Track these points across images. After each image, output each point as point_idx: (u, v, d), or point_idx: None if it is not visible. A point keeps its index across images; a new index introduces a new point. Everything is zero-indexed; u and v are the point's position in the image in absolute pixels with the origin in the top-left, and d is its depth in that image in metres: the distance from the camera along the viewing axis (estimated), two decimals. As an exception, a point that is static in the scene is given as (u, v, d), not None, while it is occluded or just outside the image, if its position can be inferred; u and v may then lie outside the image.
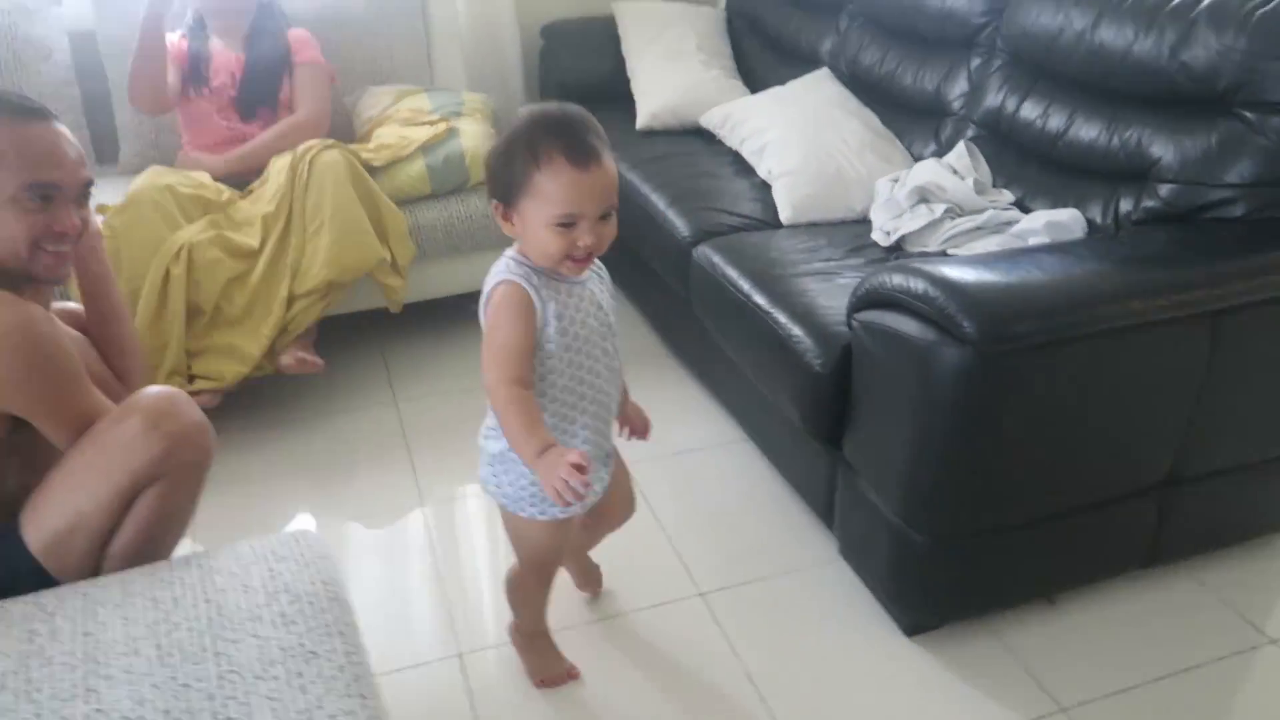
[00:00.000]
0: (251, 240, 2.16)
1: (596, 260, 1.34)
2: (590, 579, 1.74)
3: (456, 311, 2.66)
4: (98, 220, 1.54)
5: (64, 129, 1.34)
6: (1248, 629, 1.65)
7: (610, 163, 1.24)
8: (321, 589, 1.17)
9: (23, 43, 2.53)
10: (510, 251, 1.32)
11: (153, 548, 1.33)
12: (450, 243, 2.40)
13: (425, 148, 2.41)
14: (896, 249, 1.99)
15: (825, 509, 1.79)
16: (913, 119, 2.34)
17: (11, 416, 1.29)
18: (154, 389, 1.35)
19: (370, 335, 2.58)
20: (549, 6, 3.23)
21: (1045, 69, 1.98)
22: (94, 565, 1.31)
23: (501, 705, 1.54)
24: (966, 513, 1.50)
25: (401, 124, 2.51)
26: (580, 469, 1.17)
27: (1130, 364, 1.44)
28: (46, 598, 1.16)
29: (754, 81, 2.87)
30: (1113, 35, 1.79)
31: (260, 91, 2.43)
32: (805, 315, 1.72)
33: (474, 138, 2.45)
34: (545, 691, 1.55)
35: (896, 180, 2.11)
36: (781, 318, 1.75)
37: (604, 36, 3.06)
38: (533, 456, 1.22)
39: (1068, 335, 1.38)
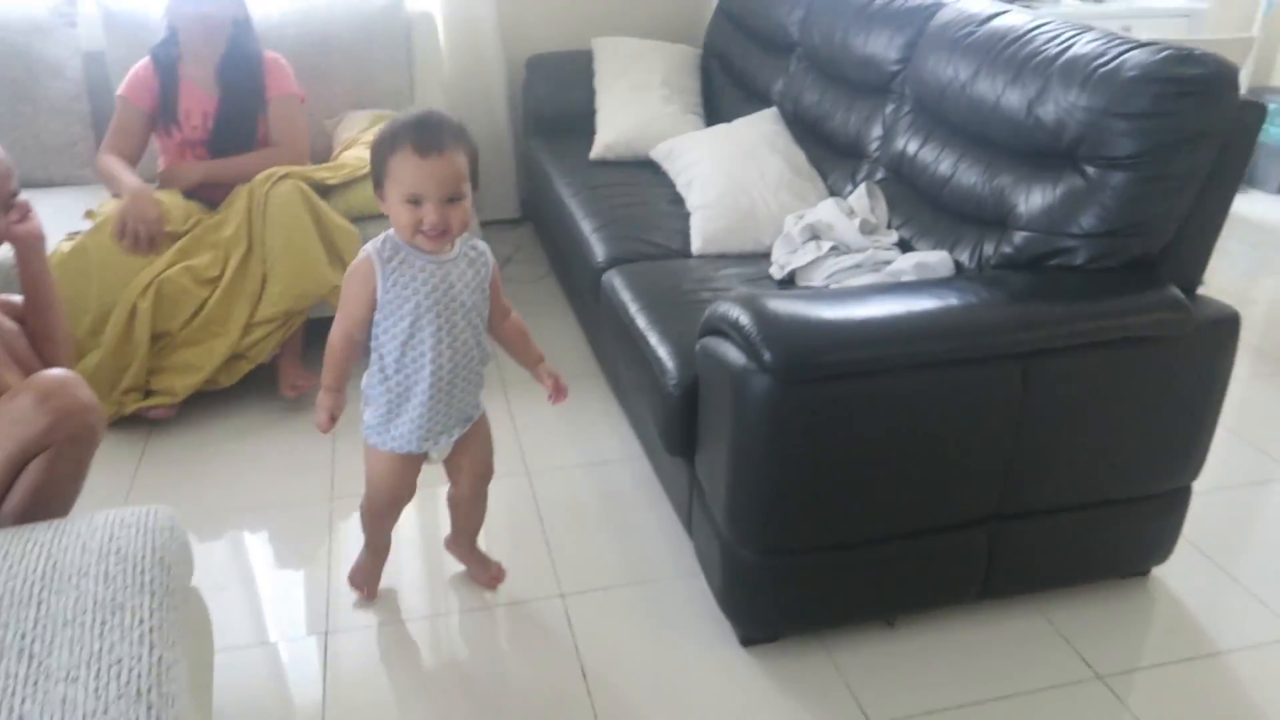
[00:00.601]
0: (214, 269, 2.36)
1: (479, 247, 1.65)
2: (489, 573, 1.90)
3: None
4: (38, 223, 1.73)
5: None
6: (1077, 663, 1.71)
7: (457, 156, 1.48)
8: (149, 554, 1.33)
9: (37, 60, 2.80)
10: (388, 231, 1.57)
11: (41, 511, 1.50)
12: (398, 258, 2.57)
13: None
14: (788, 282, 2.09)
15: (686, 519, 1.89)
16: (837, 159, 2.44)
17: None
18: (50, 371, 1.53)
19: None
20: (538, 39, 3.42)
21: (940, 117, 2.07)
22: None
23: (353, 685, 1.67)
24: (786, 531, 1.59)
25: (365, 146, 2.69)
26: (325, 421, 1.64)
27: (941, 399, 1.52)
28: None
29: (719, 118, 2.98)
30: (986, 87, 1.88)
31: (235, 136, 2.50)
32: (673, 339, 1.84)
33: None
34: (391, 668, 1.69)
35: (801, 217, 2.21)
36: (652, 340, 1.87)
37: (583, 70, 3.23)
38: (320, 392, 1.64)
39: (868, 369, 1.47)
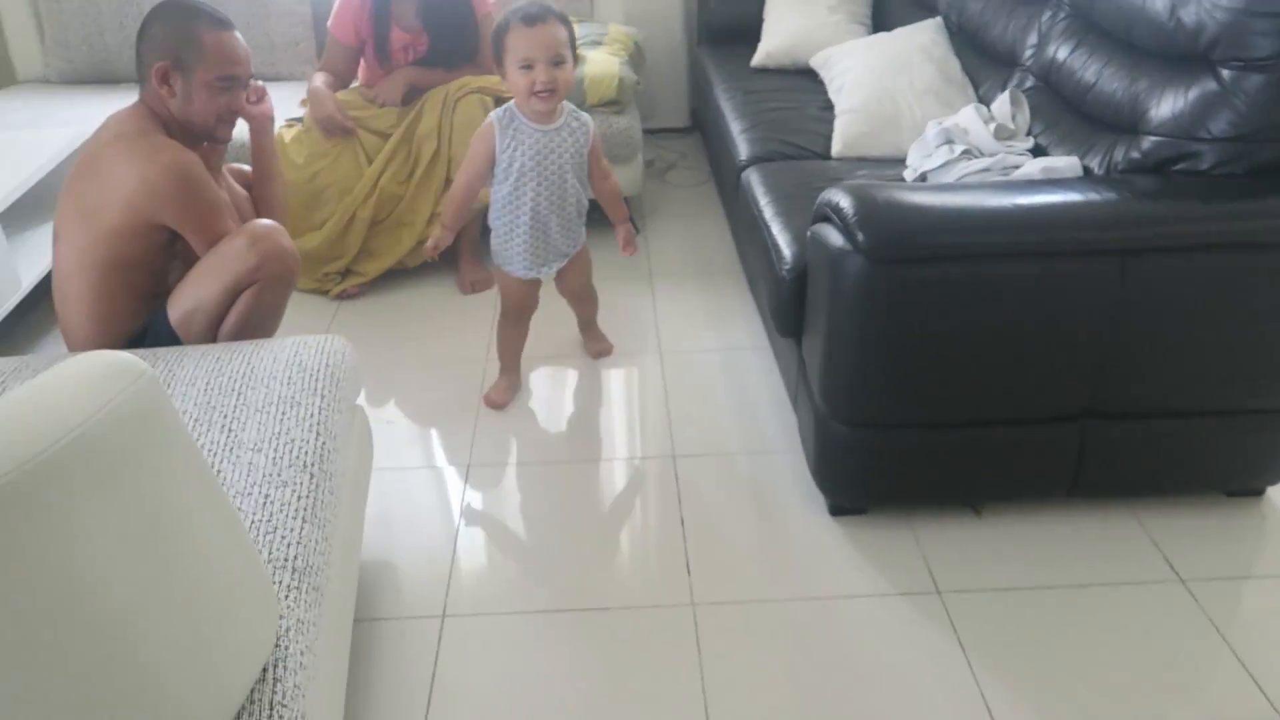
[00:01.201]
0: (408, 167, 2.66)
1: (582, 118, 2.03)
2: (598, 346, 2.40)
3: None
4: (270, 106, 2.06)
5: (240, 36, 1.87)
6: (1161, 564, 1.74)
7: (557, 27, 1.88)
8: (324, 369, 1.62)
9: (271, -30, 3.18)
10: (510, 103, 1.99)
11: (248, 335, 1.87)
12: (563, 153, 2.80)
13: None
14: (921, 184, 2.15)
15: (794, 400, 2.04)
16: (993, 68, 2.43)
17: (172, 230, 1.84)
18: (261, 220, 1.89)
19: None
20: (716, -49, 3.50)
21: (1091, 23, 2.05)
22: (210, 340, 1.86)
23: (484, 514, 1.95)
24: (874, 406, 1.71)
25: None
26: (432, 250, 2.13)
27: (1032, 290, 1.58)
28: (161, 349, 1.69)
29: (886, 29, 3.01)
30: (1135, -10, 1.85)
31: (450, 59, 2.70)
32: (792, 230, 1.96)
33: (597, 64, 2.81)
34: (514, 503, 1.95)
35: (940, 123, 2.24)
36: (775, 230, 2.00)
37: (757, -17, 3.29)
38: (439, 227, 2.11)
39: (958, 254, 1.55)
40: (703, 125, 3.50)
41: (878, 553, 1.79)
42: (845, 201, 1.61)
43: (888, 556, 1.78)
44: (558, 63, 1.88)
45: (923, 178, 2.15)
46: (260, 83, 2.02)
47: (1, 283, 2.19)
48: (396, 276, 2.80)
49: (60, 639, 0.81)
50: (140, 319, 1.87)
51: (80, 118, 2.81)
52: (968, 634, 1.62)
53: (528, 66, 1.87)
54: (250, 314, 1.85)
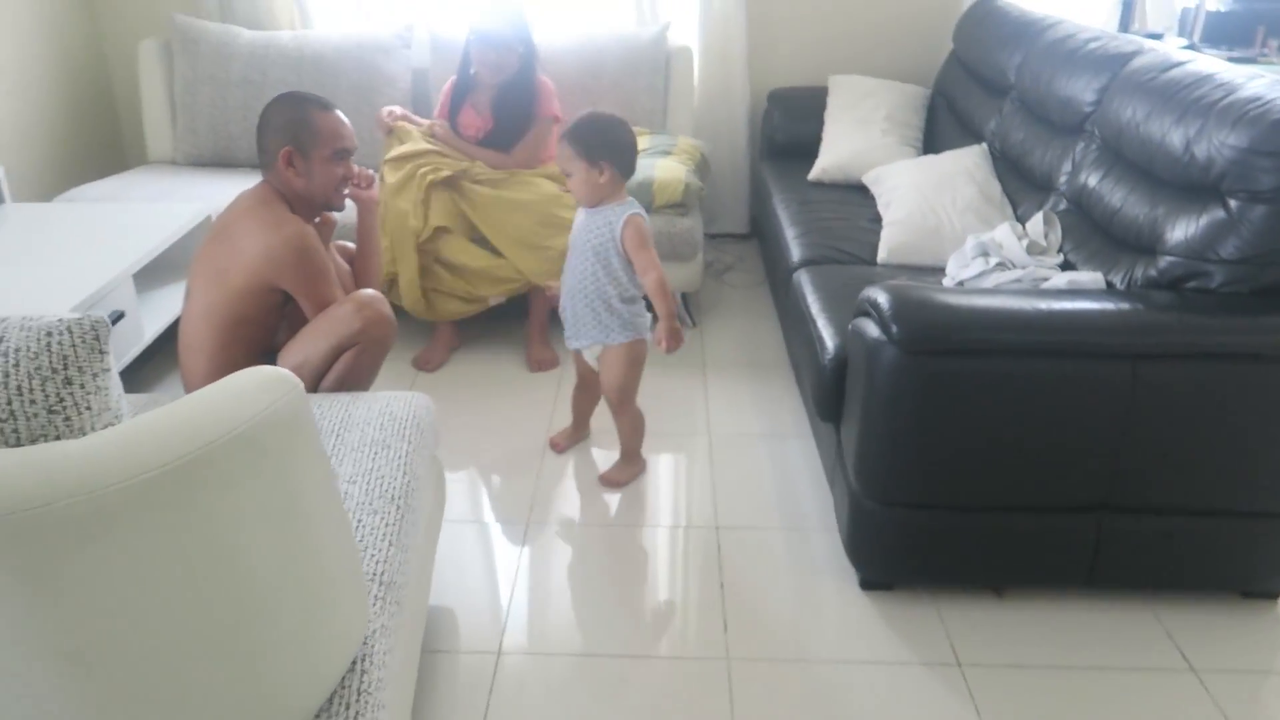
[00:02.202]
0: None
1: (620, 212, 2.23)
2: (612, 476, 2.42)
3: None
4: (376, 192, 2.35)
5: (342, 114, 2.16)
6: (1175, 655, 1.84)
7: (562, 145, 2.21)
8: (410, 418, 1.84)
9: (379, 73, 3.55)
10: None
11: (347, 388, 2.11)
12: (631, 249, 3.05)
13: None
14: (956, 291, 2.34)
15: (832, 481, 2.19)
16: (1031, 191, 2.64)
17: (285, 293, 2.10)
18: (366, 289, 2.15)
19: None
20: (782, 74, 3.83)
21: (1119, 154, 2.25)
22: (312, 391, 2.09)
23: (537, 568, 2.12)
24: (903, 486, 1.86)
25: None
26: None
27: (1051, 386, 1.75)
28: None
29: (937, 151, 3.25)
30: (1156, 126, 2.06)
31: (500, 145, 3.04)
32: (835, 325, 2.16)
33: (666, 170, 3.09)
34: (564, 560, 2.12)
35: (979, 238, 2.44)
36: (819, 323, 2.20)
37: (818, 103, 3.58)
38: None
39: (984, 349, 1.73)
40: (761, 232, 3.75)
41: (903, 625, 1.92)
42: (883, 298, 1.81)
43: (912, 629, 1.91)
44: (568, 174, 2.22)
45: (960, 285, 2.34)
46: (371, 172, 2.31)
47: (129, 332, 2.47)
48: (470, 351, 3.04)
49: (211, 595, 1.00)
50: (252, 365, 2.11)
51: (201, 195, 3.14)
52: (985, 706, 1.73)
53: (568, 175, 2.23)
54: (350, 371, 2.09)
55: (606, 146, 2.19)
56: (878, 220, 2.83)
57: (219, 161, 3.58)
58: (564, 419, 2.66)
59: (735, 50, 3.71)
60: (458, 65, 3.05)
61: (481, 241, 2.99)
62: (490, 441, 2.58)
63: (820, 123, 3.51)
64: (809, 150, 3.47)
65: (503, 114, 3.00)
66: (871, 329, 1.84)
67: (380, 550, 1.49)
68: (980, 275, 2.28)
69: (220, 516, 1.01)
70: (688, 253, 3.08)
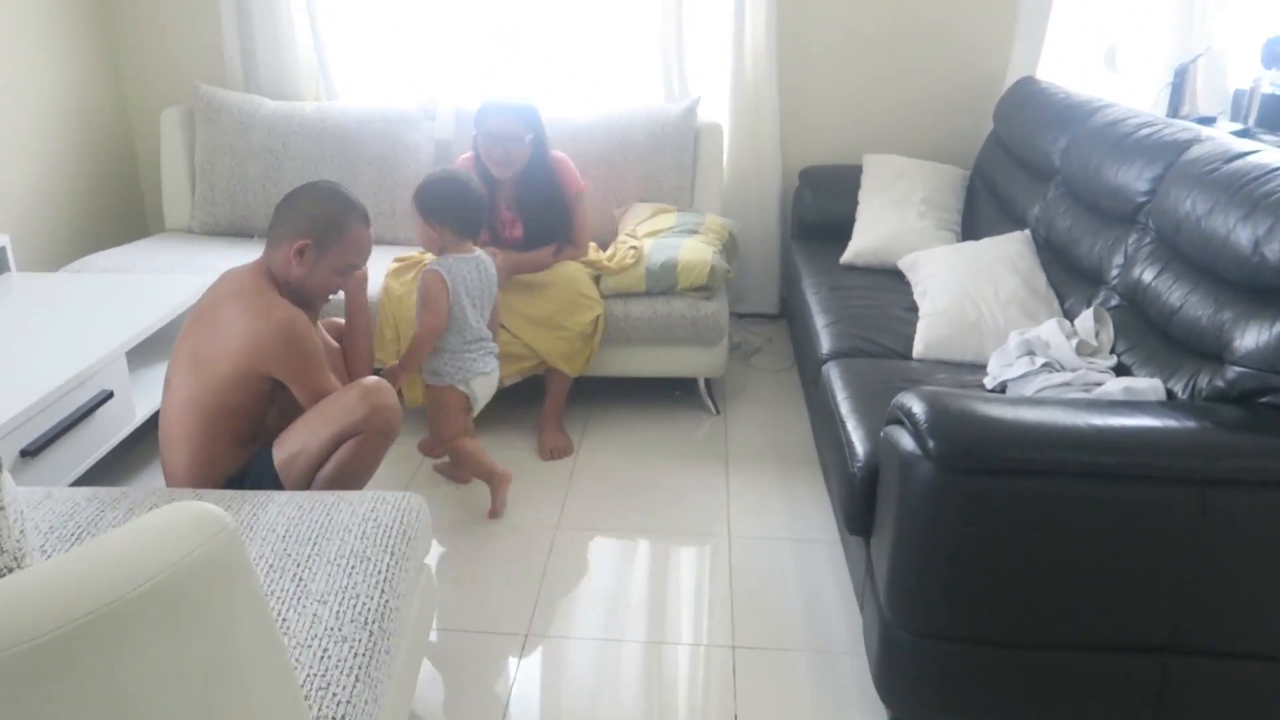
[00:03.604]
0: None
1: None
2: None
3: (656, 393, 3.16)
4: (365, 270, 2.23)
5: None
6: (1252, 826, 1.61)
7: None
8: (397, 526, 1.68)
9: (402, 145, 3.48)
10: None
11: (343, 483, 1.98)
12: (652, 334, 2.90)
13: (648, 254, 2.95)
14: (999, 393, 2.16)
15: (861, 600, 1.99)
16: (1078, 283, 2.47)
17: (275, 380, 1.97)
18: (372, 378, 2.03)
19: (582, 397, 3.12)
20: (814, 152, 3.71)
21: (1176, 249, 2.08)
22: (308, 483, 1.96)
23: (536, 687, 1.94)
24: (940, 617, 1.66)
25: (638, 238, 3.08)
26: None
27: (1107, 513, 1.55)
28: (250, 493, 1.78)
29: (974, 237, 3.10)
30: (1219, 222, 1.88)
31: (547, 238, 2.87)
32: (867, 428, 1.98)
33: (691, 251, 2.95)
34: (566, 680, 1.93)
35: (1024, 334, 2.27)
36: (849, 425, 2.02)
37: (850, 181, 3.45)
38: None
39: (1031, 469, 1.55)
40: (790, 314, 3.59)
41: (938, 775, 1.70)
42: (918, 407, 1.63)
43: (949, 780, 1.69)
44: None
45: (1002, 387, 2.16)
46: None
47: (119, 412, 2.35)
48: (481, 437, 2.89)
49: (109, 780, 0.84)
50: (239, 461, 1.98)
51: (214, 266, 3.06)
52: None
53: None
54: (350, 462, 1.96)
55: (443, 208, 2.40)
56: (913, 309, 2.67)
57: (235, 231, 3.51)
58: (578, 511, 2.49)
59: (766, 127, 3.61)
60: (471, 143, 2.93)
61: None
62: (494, 541, 2.41)
63: (853, 202, 3.38)
64: (841, 231, 3.34)
65: (528, 211, 2.87)
66: (905, 440, 1.66)
67: (345, 688, 1.32)
68: (1025, 376, 2.10)
69: (129, 683, 0.85)
70: (712, 338, 2.92)
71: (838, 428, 2.07)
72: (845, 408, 2.11)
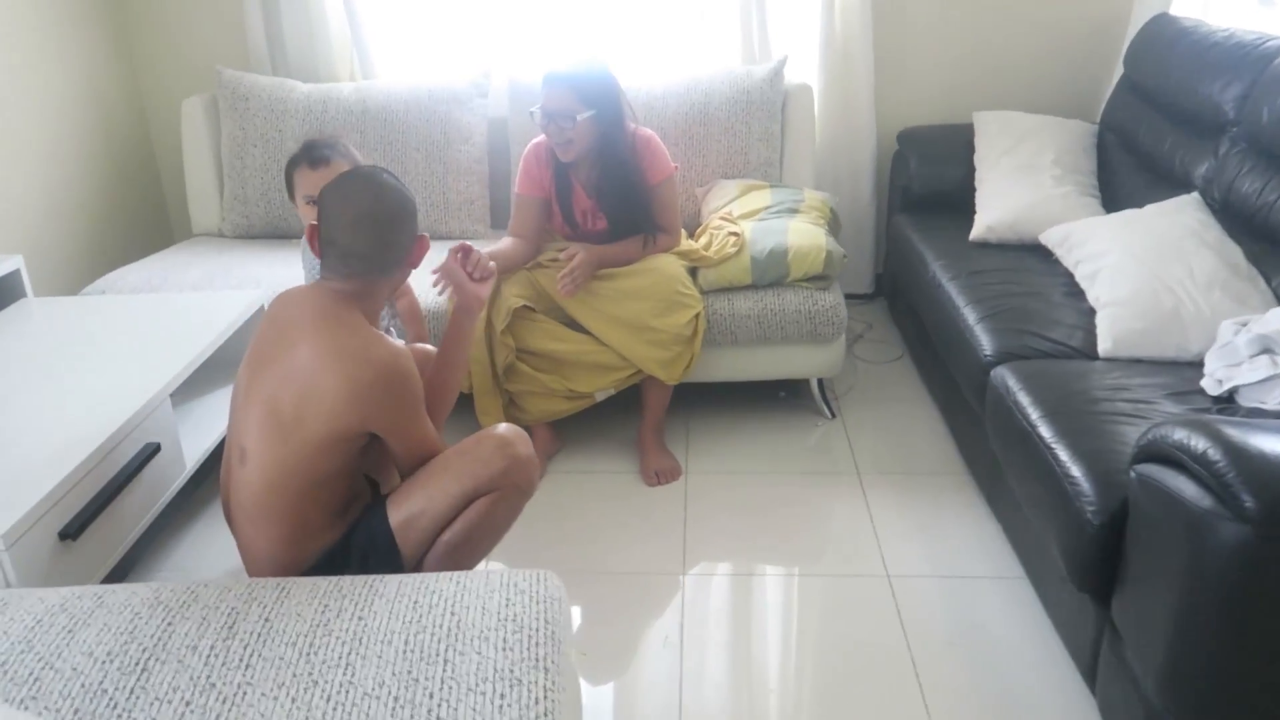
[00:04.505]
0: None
1: None
2: None
3: (759, 396, 2.79)
4: (486, 292, 1.86)
5: None
6: None
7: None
8: (542, 626, 1.33)
9: (452, 127, 3.09)
10: None
11: (470, 547, 1.65)
12: (761, 332, 2.53)
13: (752, 241, 2.56)
14: (1226, 401, 1.78)
15: (1088, 667, 1.64)
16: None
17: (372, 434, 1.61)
18: (508, 425, 1.70)
19: (680, 404, 2.75)
20: (911, 112, 3.30)
21: None
22: (428, 546, 1.63)
23: (704, 781, 1.59)
24: (1240, 714, 1.31)
25: (731, 220, 2.69)
26: None
27: None
28: (345, 582, 1.43)
29: (1116, 202, 2.70)
30: None
31: (634, 227, 2.48)
32: (1090, 457, 1.61)
33: (803, 235, 2.57)
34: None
35: (1245, 325, 1.89)
36: (1063, 455, 1.65)
37: (959, 144, 3.05)
38: None
39: (1387, 533, 1.18)
40: (894, 295, 3.21)
41: None
42: (1212, 449, 1.26)
43: None
44: None
45: (1231, 392, 1.78)
46: (493, 264, 1.83)
47: (168, 467, 2.00)
48: (570, 457, 2.54)
49: None
50: (335, 533, 1.63)
51: (254, 277, 2.69)
52: None
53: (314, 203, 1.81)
54: (481, 524, 1.64)
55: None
56: (1075, 294, 2.28)
57: (271, 233, 3.14)
58: (703, 547, 2.13)
59: (859, 86, 3.20)
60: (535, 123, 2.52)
61: (572, 321, 2.48)
62: (615, 586, 2.06)
63: (966, 168, 2.97)
64: (955, 201, 2.94)
65: (608, 199, 2.48)
66: (1188, 489, 1.29)
67: None
68: (1267, 382, 1.72)
69: None
70: (829, 334, 2.55)
71: (1045, 456, 1.70)
72: (1047, 431, 1.74)
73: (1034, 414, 1.80)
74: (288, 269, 2.71)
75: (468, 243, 1.87)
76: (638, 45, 3.24)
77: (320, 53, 3.26)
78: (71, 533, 1.64)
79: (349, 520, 1.66)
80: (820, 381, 2.73)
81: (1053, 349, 2.07)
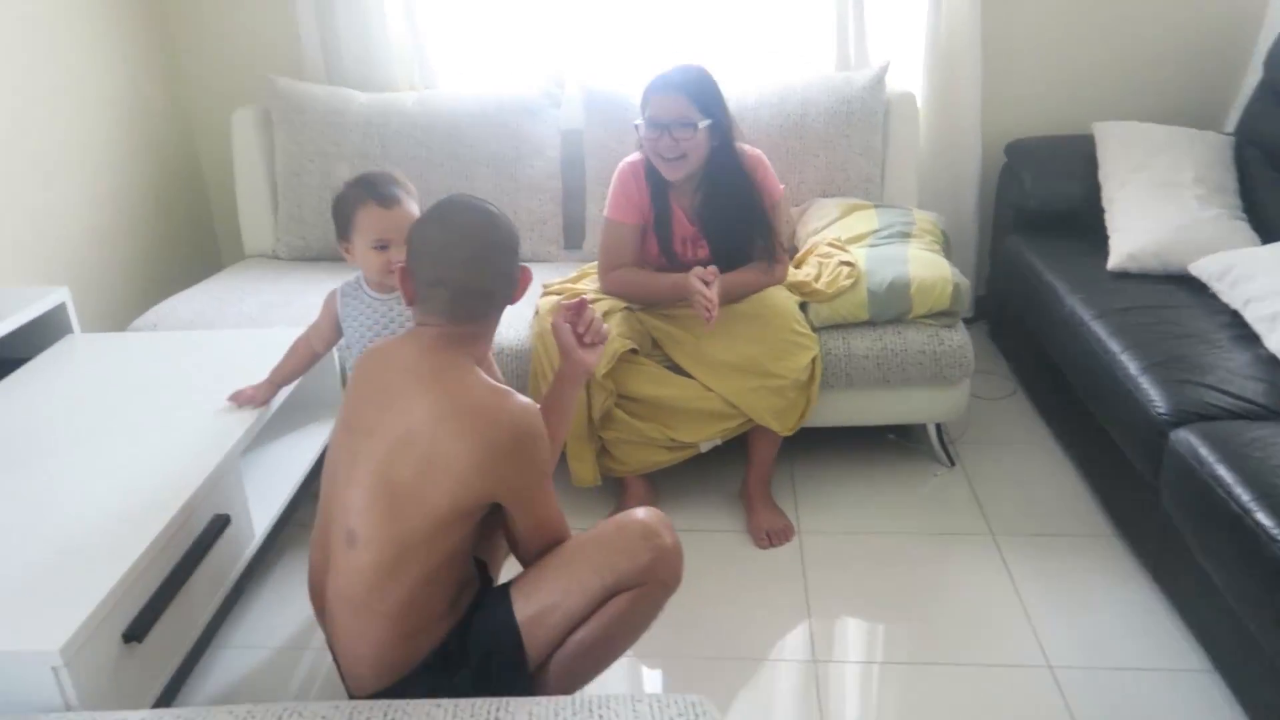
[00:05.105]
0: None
1: None
2: None
3: (865, 439, 2.54)
4: (595, 359, 1.66)
5: None
6: None
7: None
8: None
9: (524, 140, 2.85)
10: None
11: (605, 647, 1.45)
12: (880, 374, 2.27)
13: (868, 271, 2.31)
14: None
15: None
16: None
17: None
18: (647, 509, 1.49)
19: (780, 450, 2.50)
20: (1019, 123, 3.03)
21: None
22: (556, 645, 1.42)
23: None
24: None
25: (840, 245, 2.44)
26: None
27: None
28: (465, 707, 1.20)
29: (1267, 227, 2.43)
30: None
31: (740, 258, 2.22)
32: (1335, 557, 1.35)
33: (925, 265, 2.31)
34: None
35: None
36: (1300, 553, 1.40)
37: (1077, 158, 2.78)
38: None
39: None
40: (1007, 323, 2.95)
41: None
42: None
43: None
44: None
45: None
46: (607, 327, 1.64)
47: (238, 539, 1.78)
48: (672, 517, 2.28)
49: None
50: (448, 623, 1.43)
51: (315, 308, 2.46)
52: None
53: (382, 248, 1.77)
54: (620, 623, 1.43)
55: None
56: (1247, 337, 2.02)
57: (330, 255, 2.91)
58: (830, 624, 1.89)
59: (965, 94, 2.93)
60: (636, 139, 2.25)
61: (673, 364, 2.24)
62: (744, 675, 1.82)
63: (1086, 184, 2.71)
64: (1075, 221, 2.70)
65: (713, 225, 2.22)
66: None
67: None
68: None
69: None
70: (955, 376, 2.29)
71: (1268, 549, 1.44)
72: (1269, 519, 1.48)
73: (1245, 495, 1.54)
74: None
75: (585, 296, 1.64)
76: (721, 49, 2.98)
77: (378, 60, 3.03)
78: (138, 634, 1.42)
79: (460, 610, 1.44)
80: (938, 426, 2.47)
81: (1238, 407, 1.81)
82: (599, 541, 1.45)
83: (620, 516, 1.49)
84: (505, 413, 1.34)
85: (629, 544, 1.43)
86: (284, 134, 2.89)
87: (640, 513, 1.49)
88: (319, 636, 1.88)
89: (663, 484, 2.37)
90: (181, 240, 3.22)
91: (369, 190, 1.76)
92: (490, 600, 1.46)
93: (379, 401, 1.40)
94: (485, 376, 1.40)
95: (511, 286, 1.46)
